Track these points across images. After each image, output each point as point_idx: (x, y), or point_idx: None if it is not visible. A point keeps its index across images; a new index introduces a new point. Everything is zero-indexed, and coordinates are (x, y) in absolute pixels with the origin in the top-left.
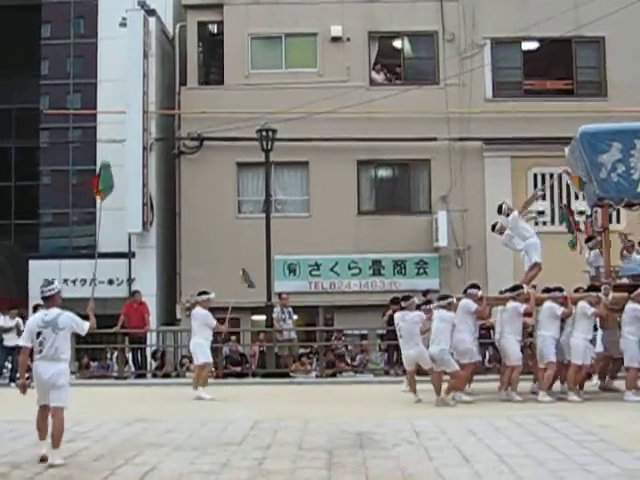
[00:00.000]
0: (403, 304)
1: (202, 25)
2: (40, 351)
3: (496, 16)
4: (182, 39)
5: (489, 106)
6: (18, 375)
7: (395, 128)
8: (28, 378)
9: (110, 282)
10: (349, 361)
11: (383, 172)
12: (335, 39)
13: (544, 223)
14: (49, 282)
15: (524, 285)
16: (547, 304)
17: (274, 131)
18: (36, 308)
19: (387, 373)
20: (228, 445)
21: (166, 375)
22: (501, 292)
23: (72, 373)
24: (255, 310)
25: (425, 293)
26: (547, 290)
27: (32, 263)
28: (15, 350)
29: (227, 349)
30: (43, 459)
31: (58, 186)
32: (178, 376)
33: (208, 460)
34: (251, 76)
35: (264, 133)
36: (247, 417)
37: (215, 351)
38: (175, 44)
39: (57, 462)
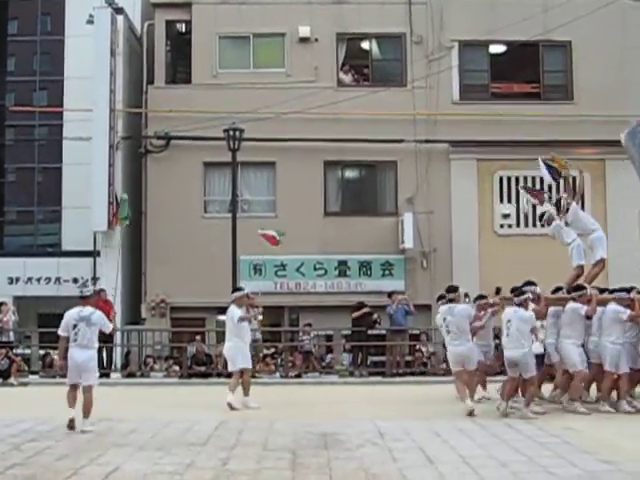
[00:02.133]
0: (450, 296)
1: (170, 24)
2: (75, 340)
3: (464, 19)
4: (150, 37)
5: (456, 108)
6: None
7: (362, 129)
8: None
9: (75, 281)
10: (315, 360)
11: (350, 173)
12: (303, 40)
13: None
14: (86, 285)
15: (586, 285)
16: (571, 305)
17: (241, 131)
18: (0, 305)
19: (352, 374)
20: (192, 445)
21: (130, 374)
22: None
23: (35, 373)
24: (221, 310)
25: (390, 294)
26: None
27: None
28: None
29: (192, 349)
30: (71, 422)
31: (23, 184)
32: (142, 375)
33: (172, 460)
34: (219, 75)
35: (231, 133)
36: (212, 418)
37: (180, 350)
38: (143, 42)
39: (87, 428)
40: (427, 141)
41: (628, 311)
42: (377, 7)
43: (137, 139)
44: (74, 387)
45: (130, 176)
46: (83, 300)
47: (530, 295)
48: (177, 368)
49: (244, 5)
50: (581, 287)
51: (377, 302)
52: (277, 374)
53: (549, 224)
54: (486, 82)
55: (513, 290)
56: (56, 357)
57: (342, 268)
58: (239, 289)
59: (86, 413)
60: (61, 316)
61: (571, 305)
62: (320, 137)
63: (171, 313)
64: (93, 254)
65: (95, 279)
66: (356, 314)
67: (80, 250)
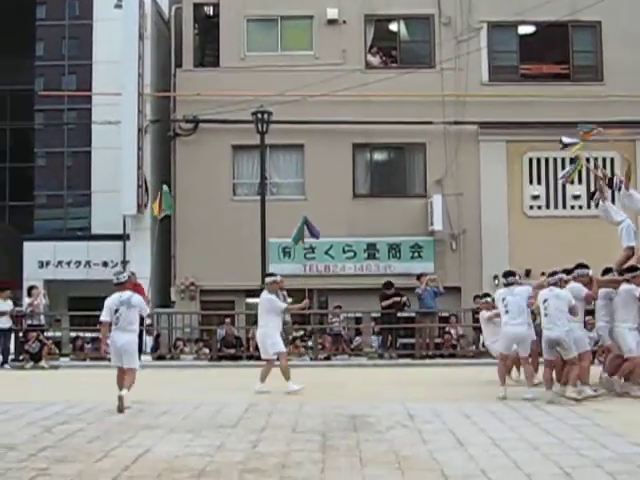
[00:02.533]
0: (510, 280)
1: (198, 7)
2: (116, 323)
3: (492, 0)
4: (178, 21)
5: (485, 90)
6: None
7: (391, 111)
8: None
9: (105, 264)
10: (345, 342)
11: (378, 155)
12: (331, 22)
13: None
14: (120, 271)
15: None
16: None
17: (269, 113)
18: (30, 289)
19: (381, 356)
20: (222, 428)
21: (161, 357)
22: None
23: (66, 355)
24: (249, 293)
25: (419, 277)
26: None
27: (27, 245)
28: (6, 333)
29: (222, 331)
30: (120, 398)
31: (53, 168)
32: (172, 358)
33: (202, 442)
34: (247, 58)
35: (259, 115)
36: (241, 400)
37: (209, 333)
38: (171, 26)
39: (126, 404)
40: (456, 123)
41: None
42: None
43: (166, 123)
44: (120, 369)
45: (159, 160)
46: (119, 286)
47: (564, 276)
48: (207, 351)
49: None
50: (635, 268)
51: (406, 284)
52: (306, 357)
53: (597, 205)
54: (515, 63)
55: (564, 271)
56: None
57: (371, 250)
58: (271, 274)
59: (130, 386)
60: (91, 299)
61: (625, 287)
62: (348, 119)
63: (200, 296)
64: (123, 237)
65: (125, 262)
66: (385, 303)
67: (110, 234)
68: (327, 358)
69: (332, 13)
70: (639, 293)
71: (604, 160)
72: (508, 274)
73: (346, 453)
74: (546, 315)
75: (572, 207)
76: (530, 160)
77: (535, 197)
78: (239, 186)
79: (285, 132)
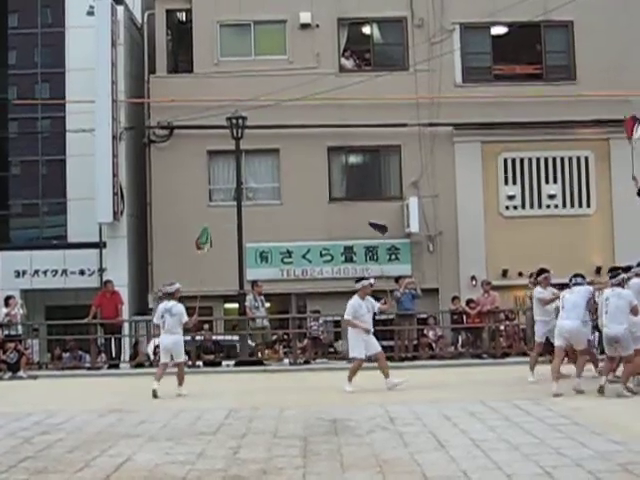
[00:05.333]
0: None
1: (170, 13)
2: (163, 327)
3: (465, 1)
4: (150, 27)
5: (459, 91)
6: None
7: (365, 114)
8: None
9: (81, 272)
10: (324, 346)
11: (354, 158)
12: (304, 26)
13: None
14: (171, 282)
15: None
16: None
17: (244, 118)
18: (7, 299)
19: None
20: (203, 435)
21: (139, 365)
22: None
23: (44, 365)
24: (227, 298)
25: (397, 279)
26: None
27: (2, 254)
28: None
29: (200, 338)
30: (154, 392)
31: (28, 177)
32: (151, 365)
33: (183, 450)
34: (220, 64)
35: (234, 121)
36: (222, 406)
37: (187, 340)
38: (144, 32)
39: (183, 392)
40: (431, 124)
41: None
42: None
43: (140, 129)
44: (164, 365)
45: (134, 166)
46: (169, 295)
47: (627, 275)
48: (185, 357)
49: None
50: None
51: (384, 287)
52: (286, 361)
53: None
54: (488, 64)
55: (624, 269)
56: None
57: (348, 254)
58: (363, 278)
59: (180, 382)
60: (69, 308)
61: None
62: (323, 123)
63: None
64: (99, 245)
65: (102, 270)
66: None
67: (86, 242)
68: (306, 362)
69: (305, 17)
70: None
71: (578, 159)
72: (576, 275)
73: (327, 458)
74: (606, 313)
75: (548, 206)
76: (505, 160)
77: (511, 197)
78: (215, 192)
79: (260, 137)
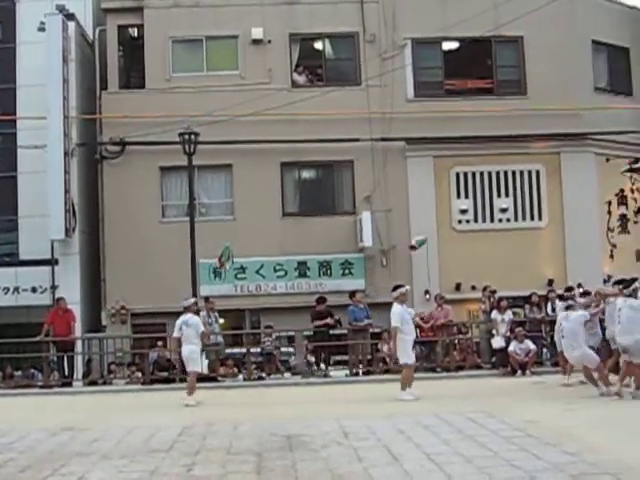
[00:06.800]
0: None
1: (122, 29)
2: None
3: (416, 16)
4: (102, 43)
5: (411, 106)
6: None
7: (318, 129)
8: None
9: (33, 290)
10: (278, 361)
11: (307, 174)
12: (256, 41)
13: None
14: (187, 297)
15: None
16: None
17: (196, 134)
18: None
19: (313, 374)
20: (156, 452)
21: (92, 383)
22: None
23: None
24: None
25: (352, 295)
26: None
27: None
28: None
29: (154, 355)
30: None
31: None
32: (105, 383)
33: (136, 468)
34: (172, 79)
35: (186, 137)
36: (175, 423)
37: (142, 357)
38: (95, 48)
39: (190, 403)
40: (383, 139)
41: None
42: (329, 7)
43: (92, 146)
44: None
45: (86, 183)
46: (185, 309)
47: (638, 285)
48: (139, 374)
49: (196, 8)
50: None
51: (338, 302)
52: (240, 377)
53: None
54: (440, 79)
55: (620, 282)
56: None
57: (302, 269)
58: (399, 286)
59: (190, 391)
60: (21, 325)
61: None
62: (276, 138)
63: (132, 319)
64: (51, 262)
65: (54, 288)
66: (318, 323)
67: (38, 259)
68: (260, 378)
69: (257, 33)
70: None
71: (530, 173)
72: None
73: (282, 473)
74: (619, 323)
75: (500, 220)
76: (457, 175)
77: (463, 211)
78: (168, 208)
79: (213, 152)
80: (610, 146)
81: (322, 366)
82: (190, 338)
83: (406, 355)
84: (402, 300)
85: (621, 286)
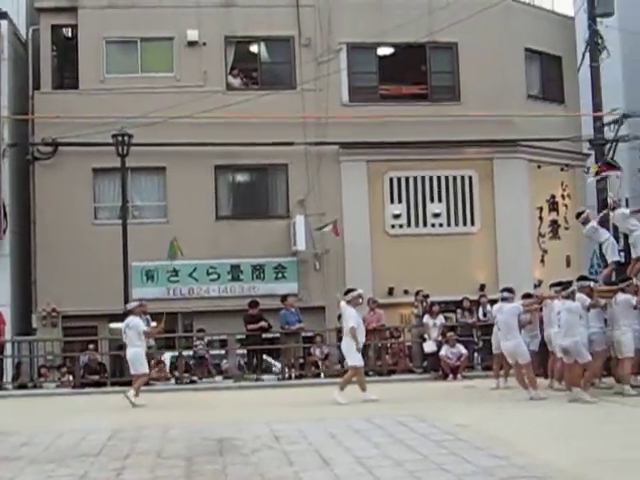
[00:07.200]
0: (505, 295)
1: (56, 29)
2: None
3: (352, 21)
4: (35, 43)
5: (345, 111)
6: None
7: (252, 133)
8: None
9: None
10: (210, 365)
11: (241, 177)
12: (191, 43)
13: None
14: (133, 300)
15: (633, 277)
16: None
17: (130, 136)
18: None
19: (245, 378)
20: (86, 456)
21: (22, 386)
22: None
23: None
24: (113, 317)
25: (283, 299)
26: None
27: None
28: None
29: (85, 358)
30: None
31: None
32: (35, 387)
33: (65, 472)
34: (106, 80)
35: (120, 138)
36: (105, 427)
37: (72, 360)
38: (28, 48)
39: (139, 403)
40: (317, 143)
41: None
42: (265, 10)
43: (24, 146)
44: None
45: (18, 184)
46: (129, 312)
47: (576, 288)
48: (70, 378)
49: (131, 9)
50: (628, 278)
51: (271, 305)
52: (172, 380)
53: (584, 224)
54: (375, 84)
55: (557, 284)
56: None
57: (235, 272)
58: (352, 290)
59: (136, 391)
60: None
61: (621, 296)
62: (210, 141)
63: (63, 322)
64: None
65: None
66: (252, 327)
67: None
68: (192, 382)
69: (192, 35)
70: (635, 301)
71: (462, 178)
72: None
73: (212, 478)
74: (559, 326)
75: (433, 225)
76: (391, 179)
77: (396, 216)
78: (100, 210)
79: (146, 155)
80: (542, 153)
81: (254, 370)
82: (133, 340)
83: (356, 357)
84: (355, 303)
85: (559, 288)
